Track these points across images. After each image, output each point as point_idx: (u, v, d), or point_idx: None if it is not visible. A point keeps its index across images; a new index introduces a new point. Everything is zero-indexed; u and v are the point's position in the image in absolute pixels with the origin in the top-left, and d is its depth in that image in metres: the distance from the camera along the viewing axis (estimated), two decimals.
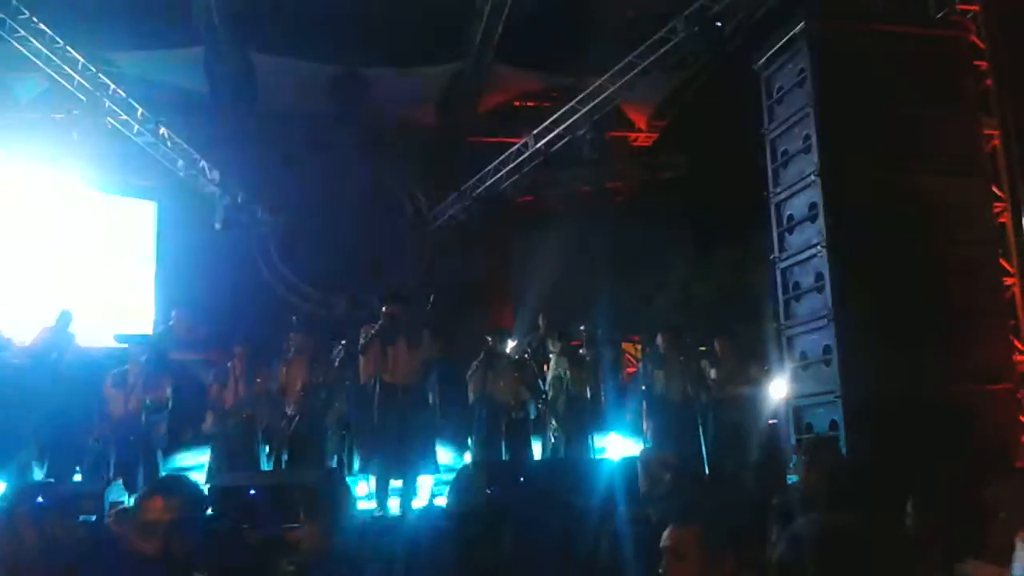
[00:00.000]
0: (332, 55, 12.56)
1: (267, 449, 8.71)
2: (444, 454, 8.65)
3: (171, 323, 10.34)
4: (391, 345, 7.57)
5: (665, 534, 2.59)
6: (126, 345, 9.32)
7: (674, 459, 7.06)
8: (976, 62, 7.41)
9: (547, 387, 9.20)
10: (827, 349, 6.63)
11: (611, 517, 4.21)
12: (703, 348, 9.27)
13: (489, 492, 6.68)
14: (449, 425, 9.05)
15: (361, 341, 7.66)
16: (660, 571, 2.54)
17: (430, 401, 8.19)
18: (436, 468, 7.81)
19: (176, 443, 8.81)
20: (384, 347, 7.58)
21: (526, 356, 9.45)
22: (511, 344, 9.67)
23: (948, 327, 6.32)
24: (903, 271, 6.39)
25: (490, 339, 9.16)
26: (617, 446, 9.46)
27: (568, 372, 9.12)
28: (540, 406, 9.20)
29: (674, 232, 12.26)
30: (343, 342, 9.11)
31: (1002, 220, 7.24)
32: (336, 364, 8.88)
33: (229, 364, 8.57)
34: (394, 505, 7.50)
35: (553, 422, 9.12)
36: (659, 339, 9.01)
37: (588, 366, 9.33)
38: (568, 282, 12.10)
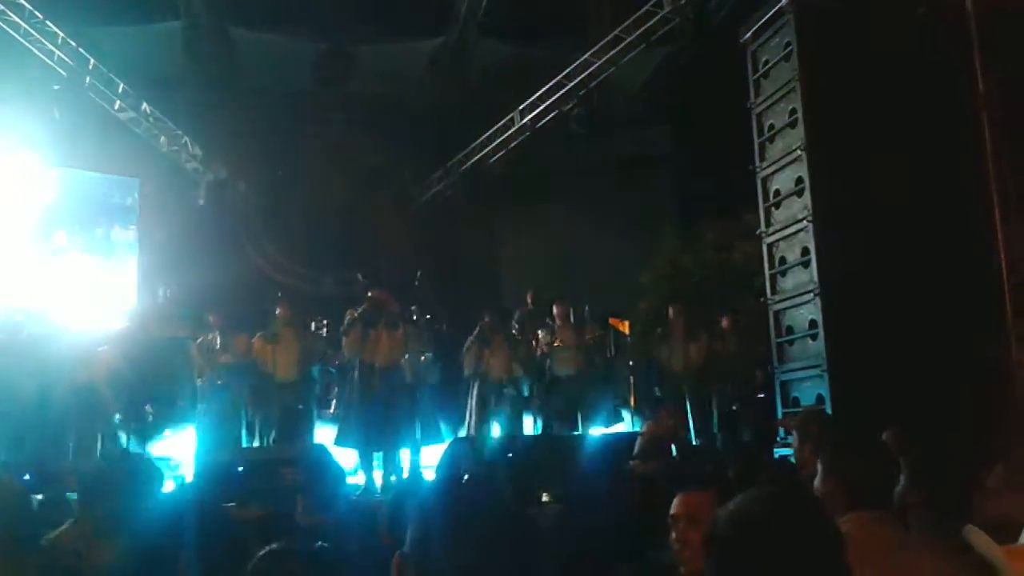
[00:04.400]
0: (314, 30, 12.44)
1: (246, 422, 8.74)
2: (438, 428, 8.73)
3: (160, 299, 10.27)
4: (372, 328, 7.76)
5: (676, 501, 2.62)
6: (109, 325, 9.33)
7: (661, 431, 7.15)
8: (965, 35, 7.38)
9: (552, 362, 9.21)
10: (813, 323, 6.66)
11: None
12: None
13: (475, 466, 6.71)
14: (446, 400, 9.12)
15: (346, 322, 7.83)
16: (672, 537, 2.56)
17: (408, 380, 8.25)
18: (416, 443, 7.94)
19: (163, 420, 8.80)
20: (366, 330, 7.78)
21: (514, 332, 9.47)
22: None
23: (935, 301, 6.34)
24: (890, 245, 6.40)
25: (487, 317, 9.19)
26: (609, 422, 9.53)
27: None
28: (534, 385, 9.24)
29: (661, 207, 12.26)
30: (324, 321, 9.20)
31: (990, 192, 7.22)
32: (323, 339, 8.95)
33: (209, 336, 8.62)
34: (378, 477, 7.67)
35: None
36: (670, 312, 9.08)
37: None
38: (555, 258, 12.11)
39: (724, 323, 9.07)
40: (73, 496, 6.16)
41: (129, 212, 12.82)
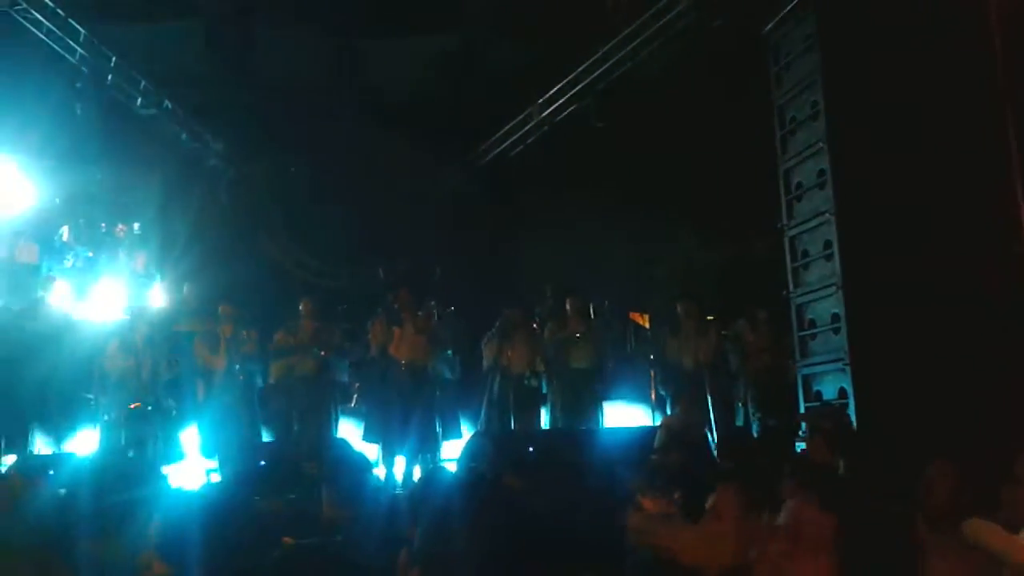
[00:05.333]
0: (331, 26, 12.46)
1: (270, 416, 8.76)
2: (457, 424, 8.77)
3: (184, 295, 10.33)
4: (397, 326, 7.89)
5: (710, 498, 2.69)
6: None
7: (679, 425, 7.15)
8: (987, 25, 7.30)
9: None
10: (836, 317, 6.62)
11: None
12: (710, 317, 9.33)
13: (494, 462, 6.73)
14: (465, 394, 9.15)
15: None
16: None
17: (431, 376, 8.34)
18: (437, 443, 8.02)
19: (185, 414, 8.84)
20: (390, 325, 7.90)
21: (534, 327, 9.47)
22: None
23: (960, 293, 6.28)
24: (913, 237, 6.35)
25: (508, 311, 9.21)
26: (624, 416, 9.52)
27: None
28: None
29: (681, 200, 12.19)
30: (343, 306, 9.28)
31: (1013, 183, 7.15)
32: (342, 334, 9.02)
33: (218, 329, 8.63)
34: (399, 472, 7.73)
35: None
36: (679, 307, 9.10)
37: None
38: (575, 252, 12.08)
39: (761, 315, 8.99)
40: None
41: (150, 208, 12.86)
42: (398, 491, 7.04)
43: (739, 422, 8.74)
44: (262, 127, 12.81)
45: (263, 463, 6.90)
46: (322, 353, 8.68)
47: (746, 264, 10.80)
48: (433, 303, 9.00)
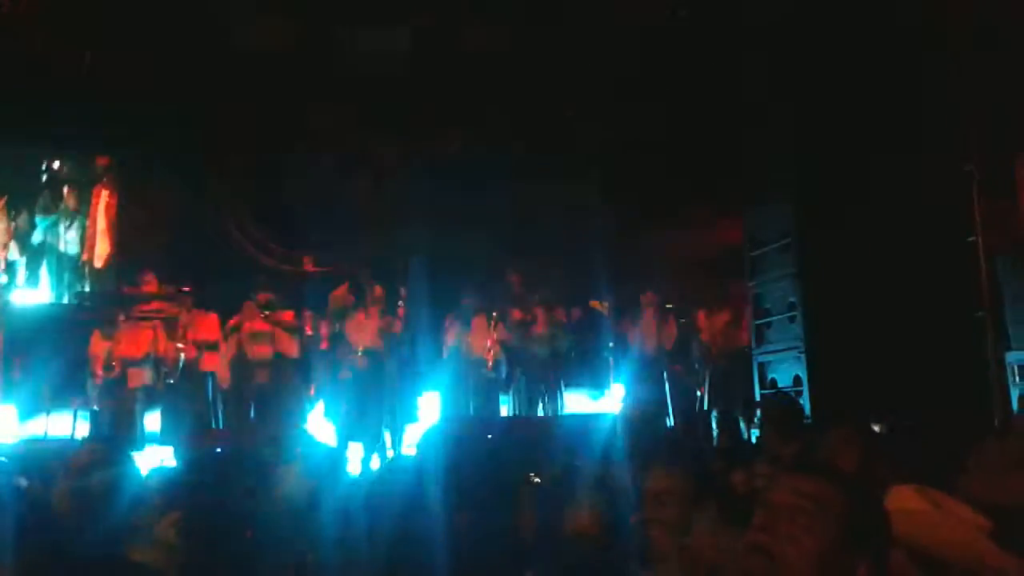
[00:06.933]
0: (297, 8, 12.29)
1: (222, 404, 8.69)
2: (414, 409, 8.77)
3: (145, 282, 10.19)
4: (361, 311, 7.88)
5: (647, 480, 2.57)
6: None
7: (638, 412, 7.17)
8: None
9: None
10: (791, 305, 6.69)
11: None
12: (669, 305, 9.39)
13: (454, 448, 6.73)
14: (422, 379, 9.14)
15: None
16: (642, 517, 2.52)
17: (386, 365, 8.34)
18: (395, 431, 8.06)
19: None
20: (355, 306, 7.89)
21: (494, 315, 9.47)
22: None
23: (914, 281, 6.36)
24: (871, 226, 6.43)
25: (467, 298, 9.21)
26: (585, 404, 9.57)
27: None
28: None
29: (650, 188, 12.22)
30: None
31: (968, 176, 7.24)
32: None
33: (178, 318, 8.55)
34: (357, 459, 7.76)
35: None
36: (641, 297, 9.17)
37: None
38: (539, 240, 12.08)
39: (715, 300, 9.08)
40: None
41: (113, 188, 12.68)
42: (355, 478, 7.02)
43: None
44: (223, 108, 12.63)
45: (219, 449, 6.86)
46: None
47: (711, 253, 10.86)
48: (401, 302, 8.93)
